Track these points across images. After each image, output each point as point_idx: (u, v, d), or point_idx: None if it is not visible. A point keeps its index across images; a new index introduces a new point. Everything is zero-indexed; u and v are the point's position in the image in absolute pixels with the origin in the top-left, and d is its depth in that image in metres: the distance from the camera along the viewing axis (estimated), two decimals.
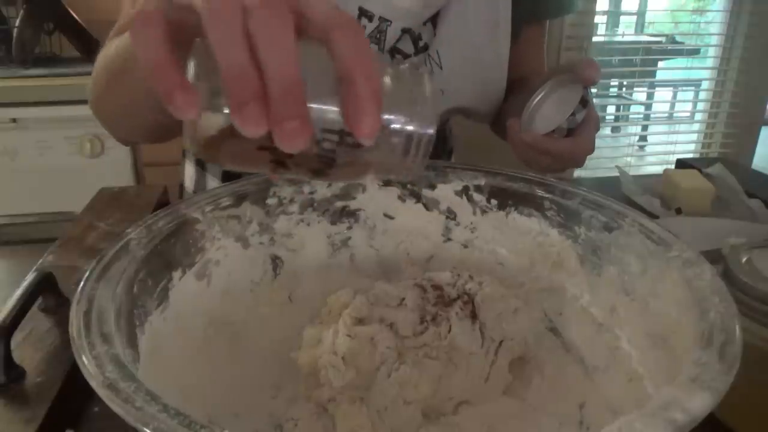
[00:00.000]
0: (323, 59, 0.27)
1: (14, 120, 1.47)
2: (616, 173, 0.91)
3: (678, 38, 2.66)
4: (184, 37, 0.28)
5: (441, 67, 0.68)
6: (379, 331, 0.40)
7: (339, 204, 0.51)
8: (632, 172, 0.98)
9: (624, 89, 2.86)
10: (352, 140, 0.28)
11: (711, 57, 2.40)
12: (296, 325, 0.45)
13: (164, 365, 0.35)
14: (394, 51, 0.66)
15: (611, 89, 2.68)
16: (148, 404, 0.25)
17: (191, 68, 0.27)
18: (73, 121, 1.48)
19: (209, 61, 0.26)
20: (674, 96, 2.93)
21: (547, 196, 0.47)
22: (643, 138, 2.58)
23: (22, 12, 1.62)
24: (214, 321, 0.43)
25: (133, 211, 0.69)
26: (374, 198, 0.52)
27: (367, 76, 0.26)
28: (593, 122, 0.58)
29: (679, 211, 0.78)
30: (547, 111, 0.59)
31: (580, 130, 0.58)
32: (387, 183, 0.51)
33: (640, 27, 2.91)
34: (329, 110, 0.27)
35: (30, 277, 0.48)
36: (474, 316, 0.42)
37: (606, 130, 2.77)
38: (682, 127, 2.59)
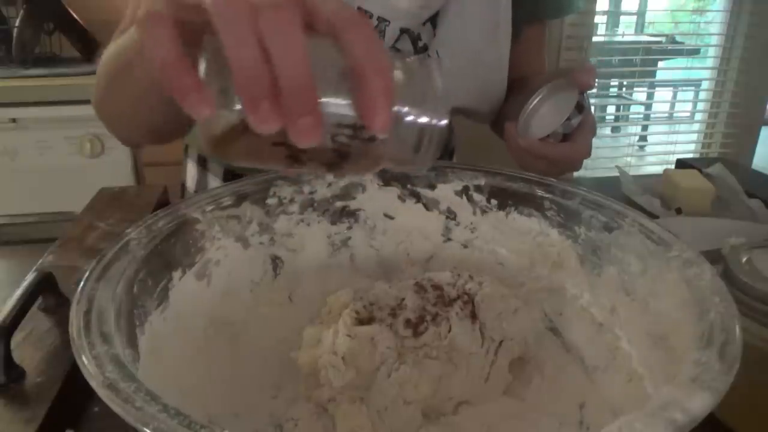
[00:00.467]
0: (333, 54, 0.27)
1: (14, 120, 1.47)
2: (616, 173, 0.91)
3: (678, 38, 2.66)
4: (192, 35, 0.28)
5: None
6: (379, 331, 0.40)
7: (339, 204, 0.51)
8: (632, 172, 0.98)
9: (624, 89, 2.86)
10: (366, 134, 0.28)
11: (711, 57, 2.40)
12: (296, 325, 0.45)
13: (164, 365, 0.35)
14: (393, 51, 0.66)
15: (611, 89, 2.67)
16: (148, 404, 0.25)
17: (202, 66, 0.27)
18: (73, 121, 1.48)
19: (220, 59, 0.26)
20: (674, 96, 2.92)
21: (547, 196, 0.47)
22: (643, 138, 2.58)
23: (22, 12, 1.62)
24: (214, 321, 0.43)
25: (133, 211, 0.69)
26: (374, 198, 0.52)
27: (378, 70, 0.27)
28: (589, 127, 0.59)
29: (679, 211, 0.78)
30: (543, 116, 0.59)
31: (576, 135, 0.58)
32: (387, 183, 0.51)
33: (640, 27, 2.91)
34: (342, 105, 0.28)
35: (30, 277, 0.48)
36: (474, 316, 0.42)
37: (606, 130, 2.77)
38: (682, 127, 2.59)
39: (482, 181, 0.50)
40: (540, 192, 0.48)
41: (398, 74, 0.29)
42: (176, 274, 0.40)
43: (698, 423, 0.24)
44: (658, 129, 2.60)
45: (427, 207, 0.52)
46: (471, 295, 0.43)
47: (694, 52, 2.65)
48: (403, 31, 0.65)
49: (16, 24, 1.62)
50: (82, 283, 0.33)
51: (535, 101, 0.60)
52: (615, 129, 2.80)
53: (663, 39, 2.64)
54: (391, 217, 0.52)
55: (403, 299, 0.42)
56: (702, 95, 2.53)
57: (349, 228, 0.52)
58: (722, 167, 0.89)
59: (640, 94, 2.93)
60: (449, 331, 0.40)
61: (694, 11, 3.24)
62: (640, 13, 2.98)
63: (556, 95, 0.59)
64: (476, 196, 0.51)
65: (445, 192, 0.51)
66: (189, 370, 0.38)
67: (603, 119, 2.53)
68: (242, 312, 0.46)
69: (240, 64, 0.25)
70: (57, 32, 1.72)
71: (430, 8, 0.65)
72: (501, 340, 0.42)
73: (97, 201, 0.73)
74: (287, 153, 0.29)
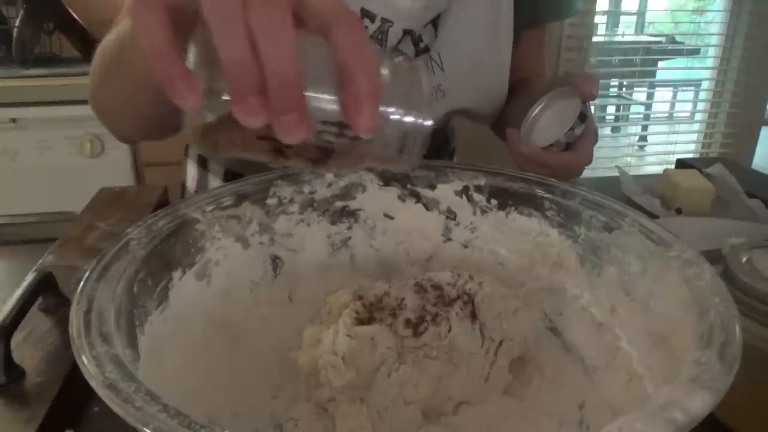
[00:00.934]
0: (322, 50, 0.27)
1: (14, 120, 1.47)
2: (616, 173, 0.91)
3: (678, 38, 2.66)
4: (184, 25, 0.28)
5: (442, 69, 0.68)
6: (379, 331, 0.40)
7: (339, 204, 0.51)
8: (632, 172, 0.98)
9: (624, 89, 2.86)
10: (351, 132, 0.28)
11: (711, 57, 2.40)
12: (296, 325, 0.45)
13: (164, 365, 0.35)
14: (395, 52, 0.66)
15: (611, 89, 2.68)
16: (148, 404, 0.25)
17: (191, 55, 0.28)
18: (73, 121, 1.48)
19: (209, 50, 0.26)
20: (674, 96, 2.92)
21: (547, 196, 0.47)
22: (643, 138, 2.58)
23: (22, 12, 1.62)
24: (214, 321, 0.43)
25: (133, 211, 0.69)
26: (374, 198, 0.52)
27: (366, 70, 0.27)
28: (592, 135, 0.59)
29: (679, 211, 0.78)
30: (545, 124, 0.59)
31: (579, 144, 0.58)
32: (387, 183, 0.51)
33: (640, 27, 2.91)
34: (328, 102, 0.28)
35: (30, 277, 0.48)
36: (474, 316, 0.42)
37: (606, 130, 2.77)
38: (682, 127, 2.59)
39: (482, 181, 0.50)
40: (540, 192, 0.48)
41: (385, 73, 0.30)
42: (176, 274, 0.40)
43: (698, 423, 0.24)
44: (658, 129, 2.60)
45: (427, 207, 0.52)
46: (471, 295, 0.43)
47: (694, 52, 2.65)
48: (406, 32, 0.65)
49: (16, 24, 1.62)
50: (82, 283, 0.33)
51: (538, 109, 0.60)
52: (615, 129, 2.80)
53: (663, 39, 2.64)
54: (391, 217, 0.52)
55: (403, 299, 0.42)
56: (702, 95, 2.53)
57: (349, 228, 0.52)
58: (722, 167, 0.89)
59: (640, 94, 2.93)
60: (449, 331, 0.40)
61: (694, 11, 3.24)
62: (640, 13, 2.99)
63: (558, 103, 0.59)
64: (476, 196, 0.51)
65: (445, 192, 0.51)
66: (189, 370, 0.38)
67: (603, 119, 2.53)
68: (242, 312, 0.46)
69: (229, 58, 0.25)
70: (57, 32, 1.72)
71: (432, 10, 0.65)
72: (501, 340, 0.42)
73: (97, 201, 0.73)
74: (271, 147, 0.29)
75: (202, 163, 0.81)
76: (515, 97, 0.73)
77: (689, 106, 2.75)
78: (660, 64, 2.82)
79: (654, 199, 0.82)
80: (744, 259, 0.44)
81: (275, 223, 0.49)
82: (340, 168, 0.32)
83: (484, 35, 0.68)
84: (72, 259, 0.58)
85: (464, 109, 0.73)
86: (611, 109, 2.66)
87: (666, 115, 2.78)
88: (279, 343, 0.45)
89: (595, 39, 2.20)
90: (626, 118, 2.70)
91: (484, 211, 0.51)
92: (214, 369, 0.41)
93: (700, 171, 0.87)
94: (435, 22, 0.67)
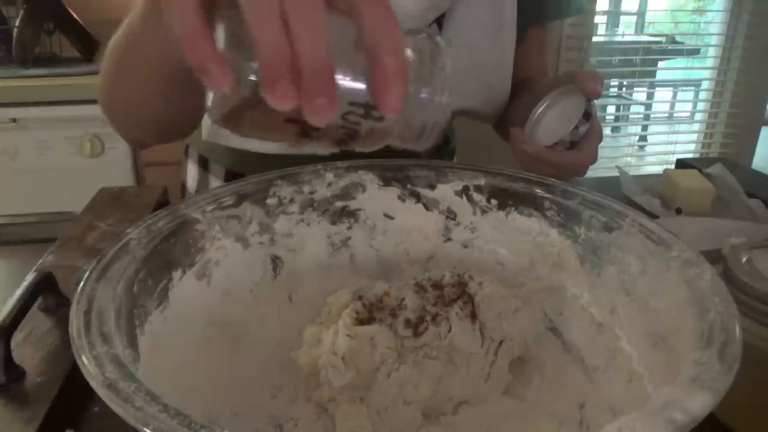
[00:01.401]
0: (350, 31, 0.27)
1: (14, 120, 1.47)
2: (616, 173, 0.91)
3: (678, 38, 2.66)
4: (211, 6, 0.27)
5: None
6: (379, 331, 0.40)
7: (339, 204, 0.51)
8: (632, 172, 0.98)
9: (624, 89, 2.86)
10: (377, 113, 0.28)
11: (711, 57, 2.40)
12: (296, 325, 0.45)
13: (164, 365, 0.35)
14: None
15: (611, 89, 2.68)
16: (148, 404, 0.25)
17: (219, 38, 0.27)
18: (73, 121, 1.48)
19: (238, 32, 0.26)
20: (674, 96, 2.93)
21: (547, 196, 0.47)
22: (643, 138, 2.58)
23: (22, 12, 1.62)
24: (214, 321, 0.43)
25: (133, 211, 0.69)
26: (374, 198, 0.52)
27: (393, 51, 0.27)
28: (596, 134, 0.59)
29: (679, 211, 0.78)
30: (550, 123, 0.59)
31: (583, 142, 0.58)
32: (387, 183, 0.51)
33: (640, 27, 2.91)
34: (356, 83, 0.28)
35: (30, 277, 0.48)
36: (474, 316, 0.42)
37: (606, 130, 2.74)
38: (682, 127, 2.59)
39: (482, 181, 0.50)
40: (540, 192, 0.48)
41: (409, 53, 0.30)
42: (176, 274, 0.40)
43: (698, 423, 0.24)
44: (658, 129, 2.60)
45: (427, 207, 0.52)
46: (471, 295, 0.43)
47: (694, 52, 2.65)
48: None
49: (16, 24, 1.62)
50: (82, 283, 0.33)
51: (542, 108, 0.60)
52: (615, 129, 2.80)
53: (663, 39, 2.64)
54: (391, 217, 0.52)
55: (403, 299, 0.42)
56: (702, 95, 2.53)
57: (349, 228, 0.52)
58: (722, 167, 0.89)
59: (640, 94, 2.93)
60: (449, 331, 0.40)
61: (694, 11, 3.24)
62: (640, 13, 2.98)
63: (562, 102, 0.59)
64: (476, 196, 0.51)
65: (445, 192, 0.51)
66: (189, 370, 0.38)
67: (603, 119, 2.53)
68: (242, 312, 0.46)
69: (263, 42, 0.25)
70: (57, 32, 1.72)
71: (436, 10, 0.65)
72: (501, 340, 0.42)
73: (97, 201, 0.73)
74: (297, 129, 0.30)
75: (203, 163, 0.81)
76: (518, 96, 0.73)
77: (689, 106, 2.75)
78: (660, 64, 2.82)
79: (654, 199, 0.82)
80: (744, 259, 0.44)
81: (275, 223, 0.49)
82: (362, 147, 0.32)
83: (487, 33, 0.68)
84: (72, 259, 0.58)
85: (467, 109, 0.73)
86: (611, 109, 2.66)
87: (666, 115, 2.78)
88: (279, 343, 0.45)
89: (595, 39, 2.20)
90: (626, 118, 2.70)
91: (484, 211, 0.51)
92: (214, 369, 0.41)
93: (700, 171, 0.87)
94: (439, 22, 0.67)
